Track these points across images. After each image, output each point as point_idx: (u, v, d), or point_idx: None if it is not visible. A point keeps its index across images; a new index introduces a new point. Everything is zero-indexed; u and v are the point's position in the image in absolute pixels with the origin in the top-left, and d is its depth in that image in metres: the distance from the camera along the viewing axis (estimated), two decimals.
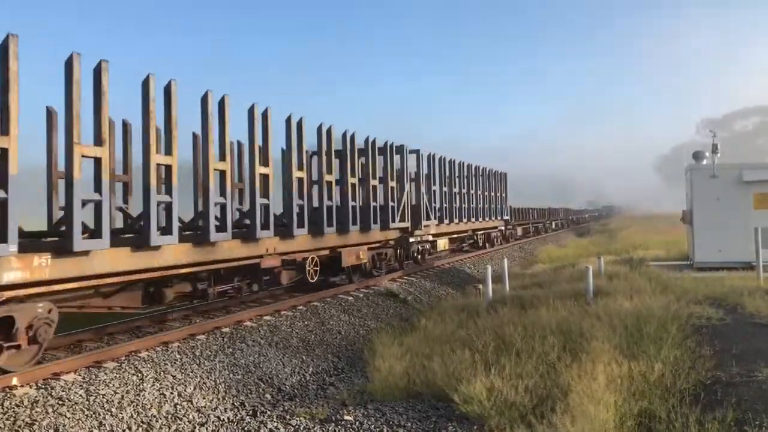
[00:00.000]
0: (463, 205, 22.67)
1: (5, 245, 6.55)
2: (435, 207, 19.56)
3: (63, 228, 8.09)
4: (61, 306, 8.02)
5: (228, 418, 7.22)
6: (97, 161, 7.81)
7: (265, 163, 11.21)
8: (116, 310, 9.30)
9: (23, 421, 6.09)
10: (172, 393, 7.43)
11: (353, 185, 14.62)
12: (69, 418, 6.31)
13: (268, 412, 7.36)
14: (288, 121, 12.17)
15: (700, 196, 18.16)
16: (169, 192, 9.00)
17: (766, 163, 20.96)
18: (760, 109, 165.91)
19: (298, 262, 12.43)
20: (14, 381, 6.90)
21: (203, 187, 10.00)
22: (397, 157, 17.18)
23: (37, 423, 6.10)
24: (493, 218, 27.36)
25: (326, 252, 13.49)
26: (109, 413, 6.62)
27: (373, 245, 15.76)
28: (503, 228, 30.16)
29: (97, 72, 7.80)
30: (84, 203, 7.77)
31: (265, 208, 11.16)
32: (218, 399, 7.69)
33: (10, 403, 6.35)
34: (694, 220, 18.30)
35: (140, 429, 6.56)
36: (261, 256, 11.16)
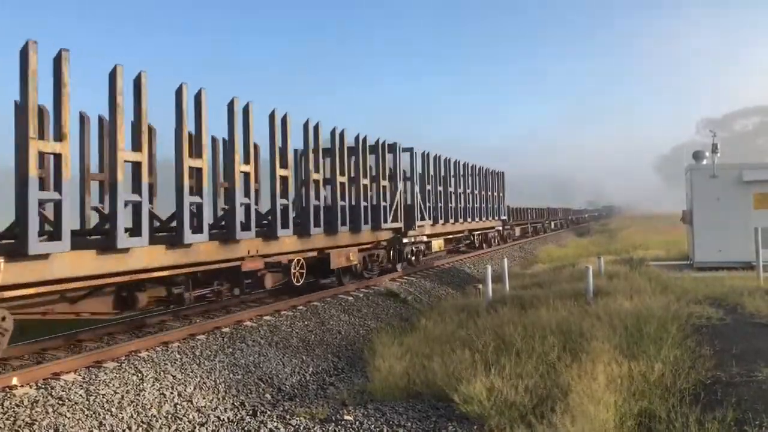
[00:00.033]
0: (459, 205, 22.15)
1: None
2: (429, 207, 19.14)
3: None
4: (20, 313, 7.63)
5: (228, 418, 7.22)
6: (57, 157, 7.35)
7: (246, 160, 10.75)
8: (85, 316, 8.79)
9: (23, 420, 6.09)
10: (172, 393, 7.43)
11: (342, 184, 14.14)
12: (69, 418, 6.31)
13: (268, 412, 7.36)
14: (271, 117, 11.65)
15: (700, 196, 18.16)
16: (138, 191, 8.51)
17: (766, 163, 20.96)
18: (760, 109, 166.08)
19: (283, 265, 11.98)
20: (14, 381, 6.90)
21: (177, 185, 9.40)
22: (389, 156, 16.76)
23: (37, 423, 6.10)
24: (491, 218, 26.83)
25: (314, 254, 13.03)
26: (109, 413, 6.62)
27: (364, 246, 15.29)
28: (501, 228, 29.69)
29: (57, 62, 7.30)
30: (42, 203, 7.37)
31: (246, 208, 10.67)
32: (218, 399, 7.69)
33: (10, 403, 6.35)
34: (694, 220, 18.30)
35: (140, 429, 6.56)
36: (242, 259, 10.65)
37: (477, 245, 26.39)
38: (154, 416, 6.85)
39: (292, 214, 11.93)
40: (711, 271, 16.06)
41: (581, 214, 76.37)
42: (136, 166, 8.60)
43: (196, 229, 9.56)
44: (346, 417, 6.52)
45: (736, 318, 9.90)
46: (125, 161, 8.22)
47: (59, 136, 7.31)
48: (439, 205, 20.14)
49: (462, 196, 22.56)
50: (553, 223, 50.38)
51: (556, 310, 10.11)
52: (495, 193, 27.48)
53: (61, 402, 6.58)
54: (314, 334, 10.94)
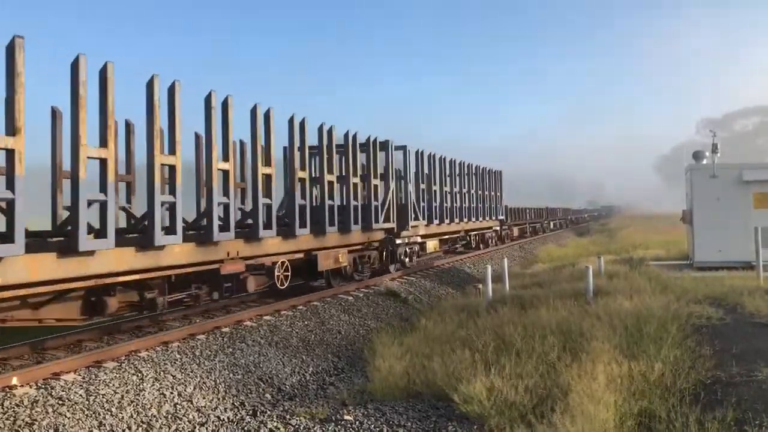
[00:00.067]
0: (455, 205, 21.70)
1: None
2: (424, 207, 18.73)
3: None
4: None
5: (228, 418, 7.22)
6: (9, 153, 6.75)
7: (225, 158, 10.25)
8: (50, 323, 8.22)
9: (23, 420, 6.09)
10: (172, 393, 7.43)
11: (331, 183, 13.65)
12: (69, 418, 6.31)
13: (268, 412, 7.36)
14: (253, 112, 11.10)
15: (700, 196, 18.16)
16: (103, 189, 8.02)
17: (765, 163, 20.97)
18: (760, 109, 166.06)
19: (266, 267, 11.49)
20: (14, 381, 6.90)
21: (148, 183, 8.86)
22: (381, 154, 16.31)
23: (37, 423, 6.10)
24: (488, 218, 26.41)
25: (300, 255, 12.55)
26: (109, 413, 6.62)
27: (354, 247, 14.82)
28: (498, 228, 29.26)
29: (10, 50, 6.80)
30: None
31: (225, 207, 10.25)
32: (218, 399, 7.69)
33: (10, 403, 6.35)
34: (694, 220, 18.31)
35: (140, 429, 6.56)
36: (221, 261, 10.14)
37: (474, 246, 25.99)
38: (154, 416, 6.85)
39: (275, 214, 11.48)
40: (711, 270, 16.06)
41: (581, 214, 76.35)
42: (102, 164, 8.09)
43: (169, 230, 9.05)
44: (346, 417, 6.52)
45: (736, 318, 9.90)
46: (88, 157, 7.69)
47: (12, 131, 6.77)
48: (434, 204, 19.67)
49: (458, 195, 22.10)
50: (552, 223, 50.04)
51: (556, 309, 10.11)
52: (492, 193, 27.08)
53: (61, 402, 6.58)
54: (314, 333, 10.94)
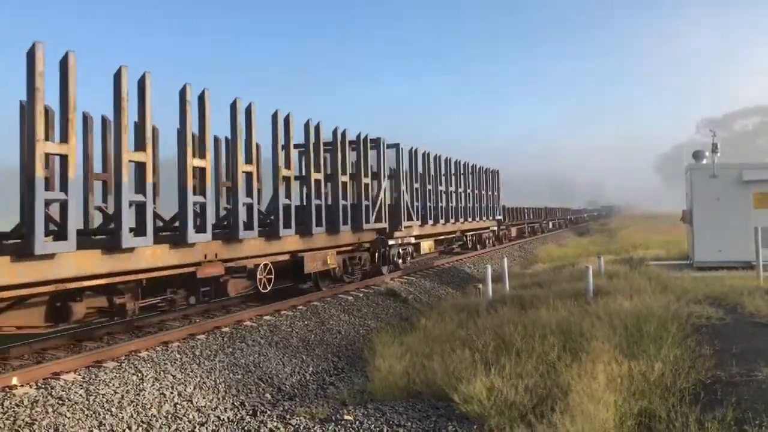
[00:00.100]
0: (451, 205, 21.16)
1: None
2: (418, 206, 18.16)
3: None
4: None
5: (228, 418, 7.22)
6: None
7: (201, 154, 9.72)
8: (9, 331, 7.67)
9: (23, 420, 6.09)
10: (172, 393, 7.43)
11: (318, 182, 13.12)
12: (69, 418, 6.31)
13: (268, 412, 7.36)
14: (233, 106, 10.55)
15: (700, 196, 18.16)
16: (64, 188, 7.55)
17: (765, 162, 20.96)
18: (760, 108, 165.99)
19: (248, 270, 11.00)
20: (14, 380, 6.90)
21: (115, 182, 8.36)
22: (373, 153, 15.77)
23: (37, 422, 6.10)
24: (485, 218, 25.87)
25: (285, 257, 12.10)
26: (109, 413, 6.62)
27: (343, 248, 14.34)
28: (496, 229, 28.77)
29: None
30: None
31: (201, 207, 9.70)
32: (218, 399, 7.69)
33: (10, 403, 6.35)
34: (694, 220, 18.30)
35: (140, 429, 6.56)
36: (198, 264, 9.68)
37: (470, 246, 25.49)
38: (154, 416, 6.85)
39: (257, 215, 11.00)
40: (711, 270, 16.05)
41: (580, 214, 76.24)
42: (63, 160, 7.64)
43: (139, 231, 8.59)
44: (346, 417, 6.52)
45: (736, 318, 9.90)
46: (48, 153, 7.45)
47: None
48: (429, 204, 19.21)
49: (453, 195, 21.59)
50: (551, 223, 49.61)
51: (556, 309, 10.11)
52: (489, 192, 26.63)
53: (61, 402, 6.58)
54: (314, 333, 10.94)
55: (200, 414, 7.18)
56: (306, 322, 11.30)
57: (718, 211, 17.68)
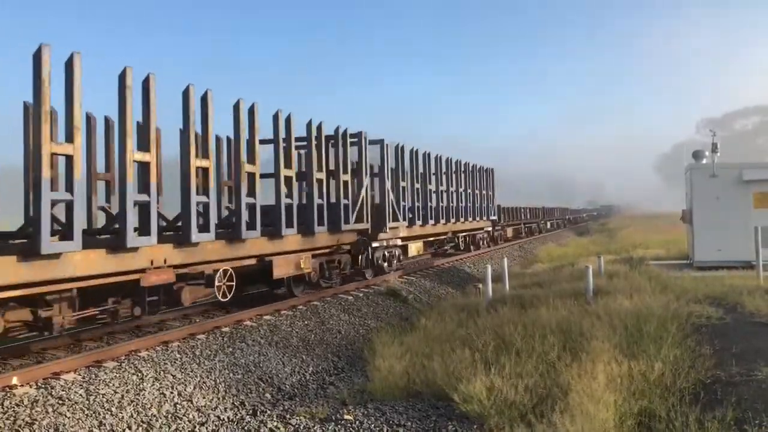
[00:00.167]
0: (441, 205, 20.26)
1: None
2: (405, 206, 17.28)
3: None
4: None
5: (228, 418, 7.23)
6: None
7: (144, 147, 8.74)
8: None
9: (23, 420, 6.09)
10: (172, 392, 7.43)
11: (289, 179, 12.16)
12: (69, 418, 6.31)
13: (268, 412, 7.36)
14: (185, 94, 9.50)
15: (699, 196, 18.16)
16: None
17: (765, 162, 20.98)
18: (760, 108, 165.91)
19: (208, 276, 10.04)
20: (14, 380, 6.90)
21: (34, 180, 7.39)
22: (354, 149, 14.93)
23: (37, 422, 6.10)
24: (478, 218, 25.04)
25: (252, 261, 11.17)
26: (109, 413, 6.62)
27: (319, 251, 13.36)
28: (490, 229, 28.02)
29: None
30: None
31: (145, 207, 8.77)
32: (218, 398, 7.69)
33: (10, 403, 6.35)
34: (693, 220, 18.31)
35: (140, 428, 6.57)
36: (143, 270, 8.73)
37: (462, 248, 24.61)
38: (154, 416, 6.85)
39: (214, 215, 10.15)
40: (711, 270, 16.05)
41: (579, 214, 76.09)
42: None
43: (67, 235, 7.65)
44: (346, 416, 6.52)
45: (735, 317, 9.90)
46: None
47: None
48: (417, 204, 18.32)
49: (444, 194, 20.73)
50: (549, 223, 48.92)
51: (556, 309, 10.11)
52: (483, 192, 25.84)
53: (61, 401, 6.58)
54: (314, 333, 10.94)
55: (200, 414, 7.18)
56: (306, 322, 11.30)
57: (718, 211, 17.68)
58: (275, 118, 11.89)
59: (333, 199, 13.96)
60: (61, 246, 7.47)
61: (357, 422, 6.37)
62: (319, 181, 13.23)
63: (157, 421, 6.76)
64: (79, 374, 7.38)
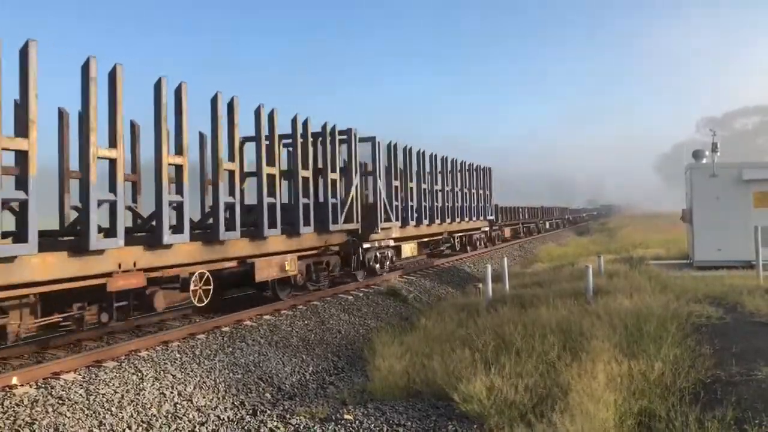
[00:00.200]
0: (436, 204, 19.74)
1: None
2: (397, 206, 16.76)
3: None
4: None
5: (228, 418, 7.23)
6: None
7: (112, 143, 8.23)
8: None
9: (23, 420, 6.09)
10: (172, 392, 7.43)
11: (272, 177, 11.71)
12: (69, 418, 6.31)
13: (268, 412, 7.37)
14: (157, 86, 9.02)
15: (699, 195, 18.16)
16: None
17: (765, 162, 20.99)
18: (760, 108, 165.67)
19: (183, 279, 9.64)
20: (14, 380, 6.90)
21: None
22: (344, 147, 14.47)
23: (37, 422, 6.10)
24: (474, 218, 24.49)
25: (232, 264, 10.72)
26: (109, 412, 6.62)
27: (306, 253, 12.84)
28: (488, 229, 27.44)
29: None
30: None
31: (111, 206, 8.28)
32: (218, 398, 7.69)
33: (10, 403, 6.36)
34: (693, 219, 18.30)
35: (140, 428, 6.57)
36: (109, 274, 8.21)
37: (458, 248, 24.09)
38: (154, 415, 6.85)
39: (187, 216, 9.55)
40: (711, 270, 16.05)
41: (579, 214, 75.97)
42: None
43: (21, 237, 7.07)
44: (346, 416, 6.52)
45: (735, 317, 9.90)
46: None
47: None
48: (410, 204, 17.77)
49: (440, 194, 20.18)
50: (547, 223, 48.58)
51: (556, 309, 10.11)
52: (480, 191, 25.29)
53: (61, 401, 6.58)
54: (314, 333, 10.94)
55: (200, 413, 7.18)
56: (306, 322, 11.30)
57: (717, 211, 17.68)
58: (257, 113, 11.43)
59: (321, 199, 13.51)
60: (13, 249, 6.91)
61: (357, 422, 6.37)
62: (305, 179, 12.71)
63: (157, 420, 6.77)
64: (79, 374, 7.38)
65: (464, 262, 22.91)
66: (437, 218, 19.92)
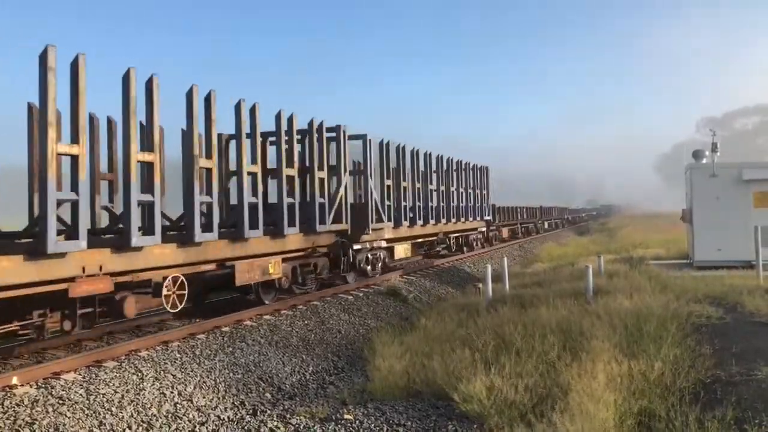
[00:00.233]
0: (431, 204, 19.36)
1: None
2: (390, 206, 16.32)
3: None
4: None
5: (228, 417, 7.23)
6: None
7: (74, 139, 7.76)
8: None
9: (23, 420, 6.10)
10: (172, 392, 7.43)
11: (254, 175, 11.33)
12: (69, 418, 6.32)
13: (268, 411, 7.37)
14: (125, 78, 8.50)
15: (699, 195, 18.16)
16: None
17: (765, 162, 21.00)
18: (760, 108, 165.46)
19: (156, 284, 9.18)
20: (14, 380, 6.90)
21: None
22: (333, 145, 14.05)
23: (37, 422, 6.10)
24: (471, 219, 24.09)
25: (210, 267, 10.25)
26: (110, 412, 6.62)
27: (291, 255, 12.36)
28: (485, 230, 27.03)
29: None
30: None
31: (73, 206, 7.85)
32: (218, 398, 7.69)
33: (11, 403, 6.36)
34: (693, 219, 18.31)
35: (140, 428, 6.57)
36: (72, 279, 7.75)
37: (454, 249, 23.67)
38: (154, 415, 6.85)
39: (159, 216, 9.10)
40: (711, 270, 16.04)
41: (578, 214, 75.87)
42: None
43: None
44: (346, 416, 6.52)
45: (735, 317, 9.90)
46: None
47: None
48: (404, 204, 17.31)
49: (435, 193, 19.77)
50: (546, 223, 48.28)
51: (556, 309, 10.11)
52: (477, 191, 24.83)
53: (61, 401, 6.59)
54: (314, 333, 10.94)
55: (200, 413, 7.19)
56: (306, 322, 11.31)
57: (717, 211, 17.68)
58: (237, 108, 10.89)
59: (308, 198, 13.12)
60: None
61: (357, 422, 6.38)
62: (290, 178, 12.27)
63: (157, 420, 6.77)
64: (79, 374, 7.38)
65: (464, 262, 22.91)
66: (432, 218, 19.56)
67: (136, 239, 8.52)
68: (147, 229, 9.12)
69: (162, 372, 7.85)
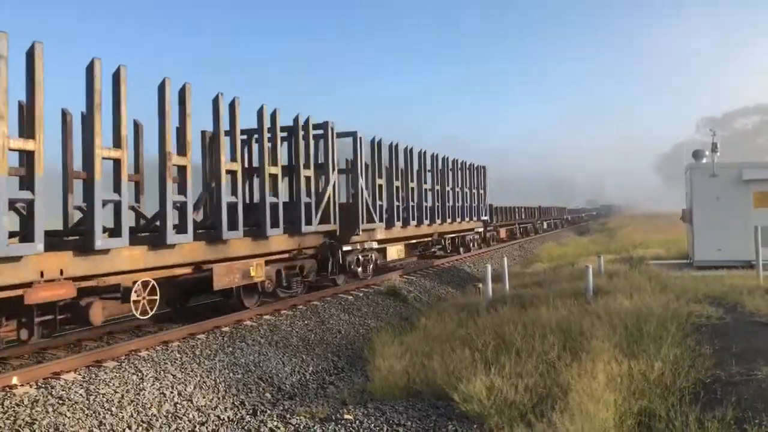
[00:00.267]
0: (425, 204, 18.83)
1: None
2: (382, 206, 15.84)
3: None
4: None
5: (228, 417, 7.23)
6: None
7: (28, 134, 7.22)
8: None
9: (23, 420, 6.10)
10: (172, 392, 7.43)
11: (233, 174, 10.75)
12: (69, 418, 6.32)
13: (268, 411, 7.37)
14: (89, 70, 7.98)
15: (699, 195, 18.16)
16: None
17: (765, 162, 21.01)
18: (760, 108, 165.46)
19: (125, 289, 8.68)
20: (14, 380, 6.90)
21: None
22: (320, 143, 13.56)
23: (37, 422, 6.10)
24: (467, 219, 23.57)
25: (186, 270, 9.73)
26: (109, 412, 6.63)
27: (275, 257, 11.80)
28: (482, 230, 26.53)
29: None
30: None
31: (29, 206, 7.34)
32: (218, 398, 7.69)
33: (11, 402, 6.36)
34: (693, 219, 18.31)
35: (140, 428, 6.57)
36: (29, 284, 7.24)
37: (449, 250, 23.34)
38: (154, 415, 6.85)
39: (126, 216, 8.51)
40: (711, 270, 16.05)
41: (578, 214, 75.70)
42: None
43: None
44: (346, 416, 6.52)
45: (735, 317, 9.90)
46: None
47: None
48: (396, 204, 16.79)
49: (429, 193, 19.23)
50: (545, 223, 47.93)
51: (556, 309, 10.11)
52: (474, 191, 24.29)
53: (61, 401, 6.59)
54: (314, 333, 10.94)
55: (200, 413, 7.19)
56: (306, 322, 11.31)
57: (717, 211, 17.68)
58: (215, 102, 10.34)
59: (294, 198, 12.63)
60: None
61: (357, 422, 6.38)
62: (273, 176, 11.73)
63: (157, 420, 6.77)
64: (79, 374, 7.38)
65: (464, 262, 22.92)
66: (426, 219, 19.03)
67: (101, 242, 7.96)
68: (115, 230, 8.59)
69: (162, 372, 7.85)
